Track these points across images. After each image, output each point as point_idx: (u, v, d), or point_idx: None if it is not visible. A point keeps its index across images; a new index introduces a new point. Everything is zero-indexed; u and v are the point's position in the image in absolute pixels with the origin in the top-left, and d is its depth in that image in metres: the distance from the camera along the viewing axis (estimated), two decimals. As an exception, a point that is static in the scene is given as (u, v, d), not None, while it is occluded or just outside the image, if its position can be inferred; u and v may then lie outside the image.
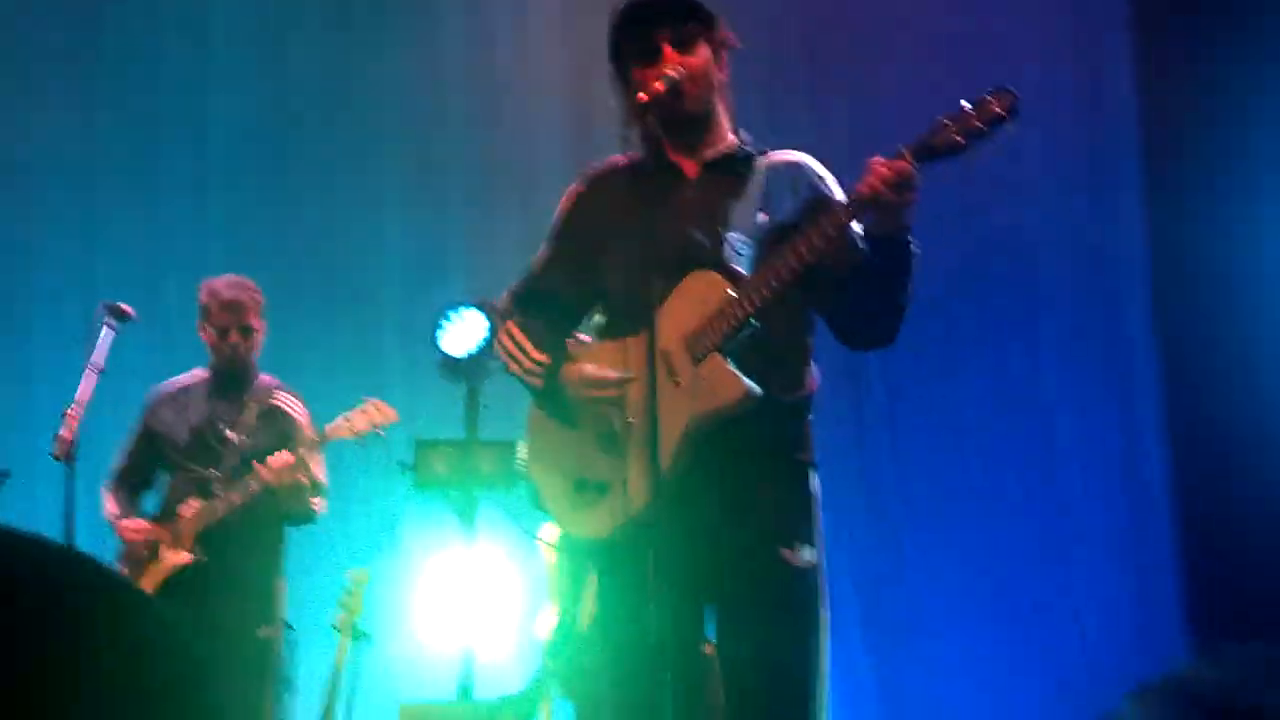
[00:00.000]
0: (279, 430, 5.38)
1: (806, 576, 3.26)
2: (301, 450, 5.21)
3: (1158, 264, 7.29)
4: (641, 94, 3.21)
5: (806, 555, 3.25)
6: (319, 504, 5.39)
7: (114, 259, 7.24)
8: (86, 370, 5.07)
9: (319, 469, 5.35)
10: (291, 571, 6.06)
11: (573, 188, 3.56)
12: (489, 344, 6.85)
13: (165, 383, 5.56)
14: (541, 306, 3.50)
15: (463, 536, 6.91)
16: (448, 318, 6.86)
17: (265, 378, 5.50)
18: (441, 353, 6.82)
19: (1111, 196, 7.43)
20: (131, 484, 5.53)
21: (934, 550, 7.23)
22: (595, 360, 3.35)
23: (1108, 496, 7.29)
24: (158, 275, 7.19)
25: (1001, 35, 7.37)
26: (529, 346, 3.40)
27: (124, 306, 5.24)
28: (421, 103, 7.65)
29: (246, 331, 5.40)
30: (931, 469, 7.32)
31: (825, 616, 3.27)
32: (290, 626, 5.75)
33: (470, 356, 6.80)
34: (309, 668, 6.01)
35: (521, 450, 5.29)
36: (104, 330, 5.14)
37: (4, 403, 7.04)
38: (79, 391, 5.04)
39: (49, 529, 5.46)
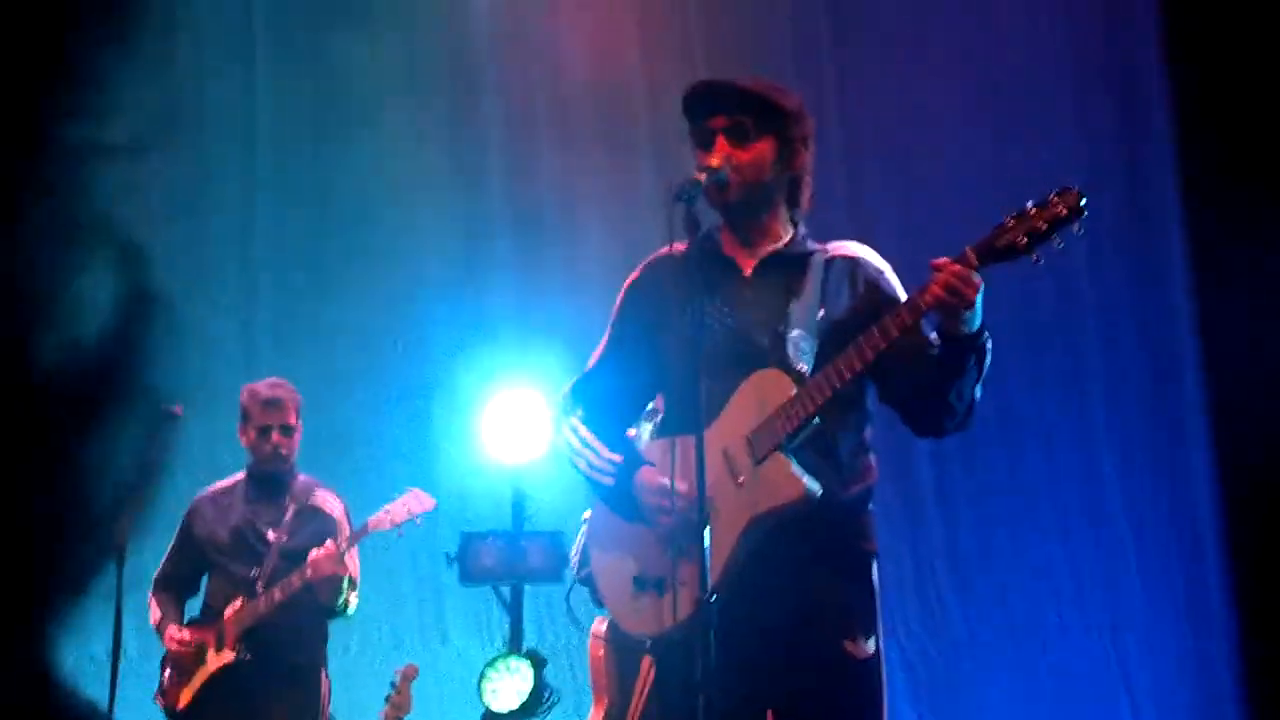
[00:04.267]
0: (317, 529, 5.44)
1: (868, 667, 3.25)
2: (344, 538, 5.27)
3: (1206, 336, 7.26)
4: (686, 180, 3.24)
5: (869, 646, 3.25)
6: (353, 599, 5.43)
7: (162, 361, 7.33)
8: (140, 473, 5.17)
9: (354, 566, 5.40)
10: (338, 666, 6.09)
11: (629, 279, 3.58)
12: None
13: (207, 488, 5.64)
14: (602, 399, 3.52)
15: (508, 629, 6.93)
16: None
17: (303, 477, 5.57)
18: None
19: (1156, 261, 7.43)
20: (176, 589, 5.60)
21: (985, 629, 7.19)
22: (652, 457, 3.37)
23: (1162, 571, 7.24)
24: (206, 375, 7.29)
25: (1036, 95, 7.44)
26: (598, 445, 3.42)
27: (174, 408, 5.33)
28: (462, 192, 7.74)
29: (287, 430, 5.48)
30: (982, 547, 7.29)
31: (885, 708, 3.26)
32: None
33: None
34: (358, 763, 6.04)
35: (575, 546, 5.34)
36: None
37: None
38: (130, 493, 5.13)
39: (97, 629, 5.55)
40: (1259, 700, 6.93)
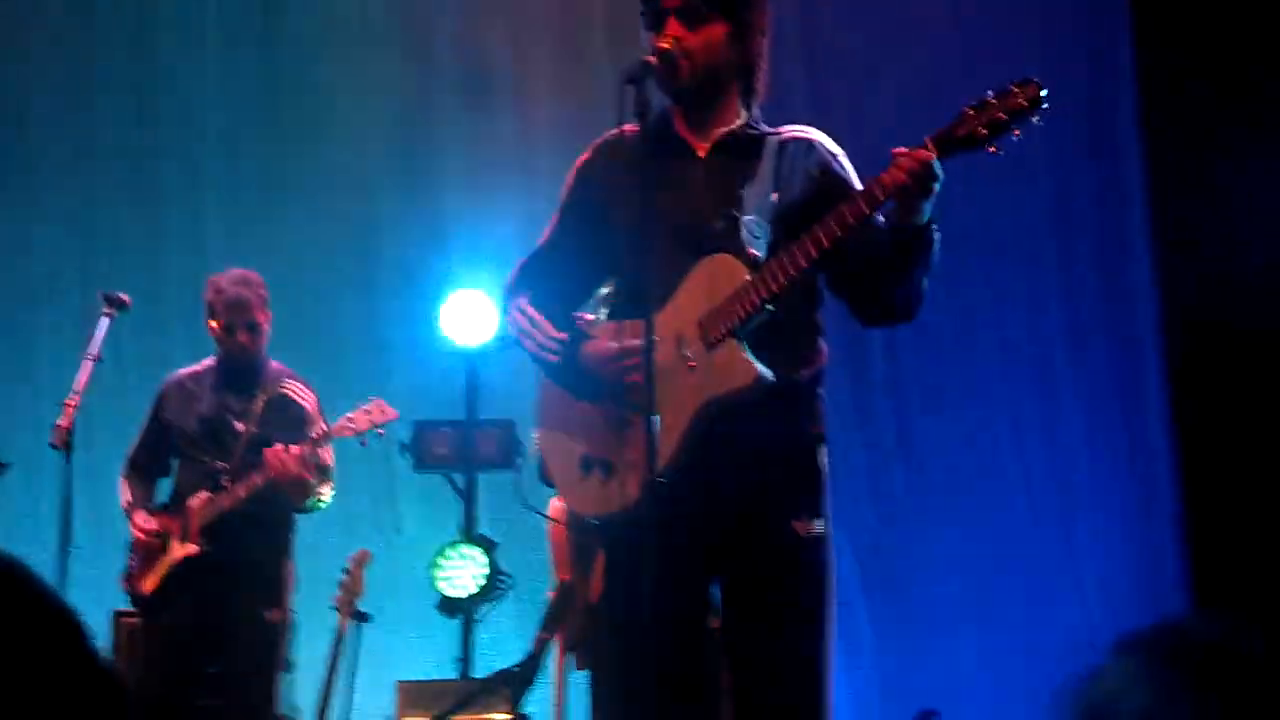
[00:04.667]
0: (288, 419, 5.40)
1: (816, 547, 3.28)
2: (311, 440, 5.25)
3: (1159, 233, 7.28)
4: (637, 62, 3.19)
5: (816, 527, 3.28)
6: (326, 491, 5.41)
7: (111, 250, 7.27)
8: (84, 360, 5.15)
9: (328, 455, 5.40)
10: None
11: (580, 159, 3.53)
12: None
13: (177, 372, 5.56)
14: (550, 280, 3.49)
15: (461, 516, 6.98)
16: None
17: (274, 365, 5.51)
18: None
19: (1112, 166, 7.44)
20: (146, 472, 5.56)
21: (936, 522, 7.26)
22: (602, 339, 3.35)
23: (1112, 464, 7.31)
24: (155, 264, 7.23)
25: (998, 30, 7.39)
26: (545, 324, 3.39)
27: (122, 296, 5.31)
28: (413, 84, 7.66)
29: (253, 328, 5.41)
30: (934, 440, 7.34)
31: (832, 588, 3.30)
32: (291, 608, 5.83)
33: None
34: (309, 648, 6.08)
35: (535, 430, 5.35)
36: (102, 320, 5.21)
37: (6, 396, 7.09)
38: (76, 381, 5.12)
39: (48, 517, 5.55)
40: (1203, 588, 7.03)
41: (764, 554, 3.25)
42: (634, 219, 3.19)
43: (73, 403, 5.07)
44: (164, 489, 5.59)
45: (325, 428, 5.31)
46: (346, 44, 7.57)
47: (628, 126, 3.25)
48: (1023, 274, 7.40)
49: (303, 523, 5.63)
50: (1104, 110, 7.44)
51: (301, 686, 6.02)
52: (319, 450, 5.26)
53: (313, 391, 5.53)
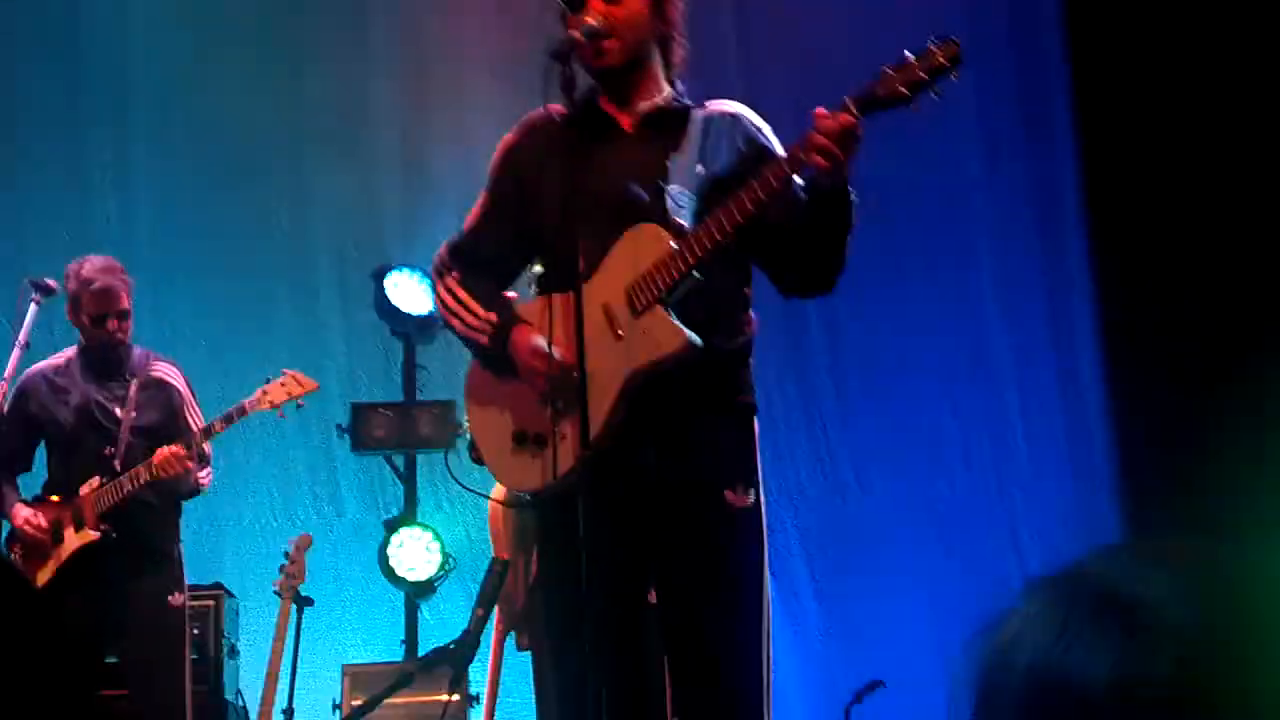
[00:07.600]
0: (164, 401, 5.37)
1: (749, 517, 3.28)
2: (188, 427, 5.21)
3: (1093, 192, 7.34)
4: (562, 40, 3.18)
5: (749, 496, 3.28)
6: (205, 478, 5.38)
7: (40, 236, 7.17)
8: (14, 347, 5.10)
9: (207, 445, 5.34)
10: (233, 537, 6.06)
11: (506, 138, 3.53)
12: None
13: (36, 366, 5.40)
14: (479, 260, 3.48)
15: (401, 497, 6.96)
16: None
17: (138, 350, 5.45)
18: (390, 304, 6.84)
19: (1046, 132, 7.48)
20: (9, 466, 5.42)
21: (876, 486, 7.31)
22: (530, 315, 3.35)
23: (1047, 422, 7.37)
24: (84, 250, 7.15)
25: None
26: (474, 305, 3.39)
27: (49, 281, 5.25)
28: (349, 57, 7.58)
29: (123, 315, 5.32)
30: (872, 410, 7.38)
31: (765, 559, 3.30)
32: (230, 593, 5.78)
33: (420, 318, 6.81)
34: (253, 633, 6.05)
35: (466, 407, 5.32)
36: (31, 306, 5.16)
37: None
38: (7, 369, 5.07)
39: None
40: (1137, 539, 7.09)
41: (697, 526, 3.25)
42: (561, 195, 3.18)
43: (1, 390, 5.02)
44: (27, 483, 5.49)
45: (199, 424, 5.27)
46: (281, 20, 7.48)
47: (553, 106, 3.24)
48: (955, 236, 7.43)
49: (242, 507, 5.61)
50: (1034, 74, 7.48)
51: (246, 672, 5.99)
52: (195, 440, 5.22)
53: (179, 368, 5.49)
